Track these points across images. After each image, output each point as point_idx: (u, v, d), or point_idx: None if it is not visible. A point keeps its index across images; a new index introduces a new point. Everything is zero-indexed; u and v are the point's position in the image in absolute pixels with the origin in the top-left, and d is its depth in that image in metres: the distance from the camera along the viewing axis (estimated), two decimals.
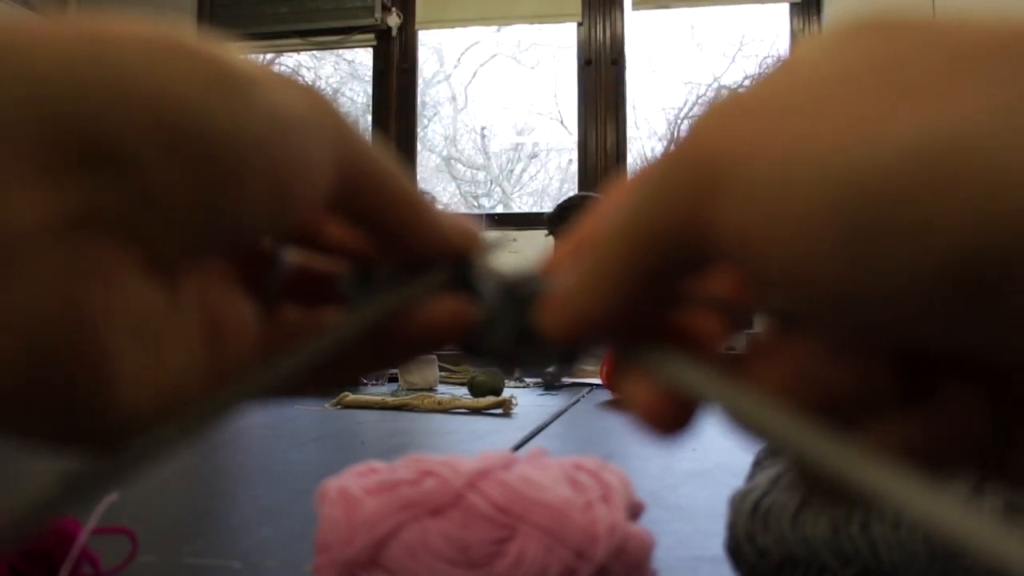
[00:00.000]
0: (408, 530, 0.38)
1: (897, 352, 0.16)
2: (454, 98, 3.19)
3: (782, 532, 0.39)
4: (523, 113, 3.17)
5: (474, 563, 0.38)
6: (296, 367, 0.18)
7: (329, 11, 2.90)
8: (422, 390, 1.58)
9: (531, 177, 3.22)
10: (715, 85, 2.90)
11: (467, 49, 3.17)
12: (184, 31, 0.15)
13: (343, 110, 0.18)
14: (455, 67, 3.18)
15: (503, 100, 3.16)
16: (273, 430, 1.06)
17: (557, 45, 3.02)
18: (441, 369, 1.80)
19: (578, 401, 1.40)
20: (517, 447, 0.89)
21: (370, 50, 3.01)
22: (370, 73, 3.03)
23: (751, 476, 0.46)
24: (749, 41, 2.92)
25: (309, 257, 0.22)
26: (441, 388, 1.67)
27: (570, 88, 2.93)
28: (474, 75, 3.18)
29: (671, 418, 0.18)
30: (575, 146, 2.90)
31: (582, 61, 2.88)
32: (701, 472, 0.76)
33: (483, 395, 1.40)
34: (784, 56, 0.15)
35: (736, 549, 0.42)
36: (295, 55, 3.08)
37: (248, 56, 0.16)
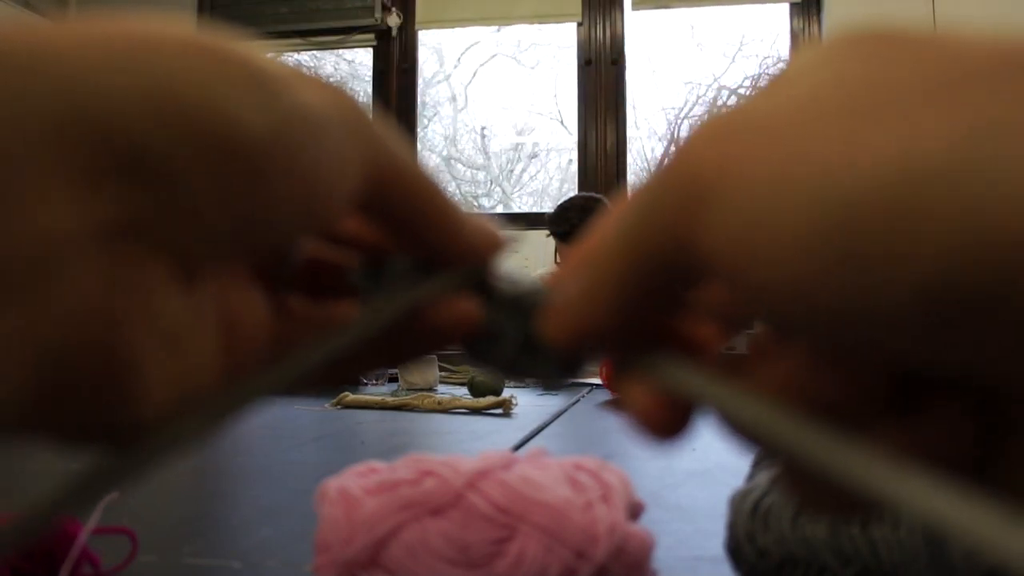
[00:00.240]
0: (408, 530, 0.38)
1: (882, 367, 0.16)
2: (454, 98, 3.19)
3: (782, 532, 0.39)
4: (523, 113, 3.17)
5: (474, 563, 0.38)
6: (312, 364, 0.18)
7: (329, 11, 2.90)
8: (422, 390, 1.58)
9: (531, 177, 3.22)
10: (715, 85, 2.90)
11: (467, 49, 3.17)
12: (215, 33, 0.15)
13: (368, 107, 0.18)
14: (455, 67, 3.18)
15: (503, 100, 3.16)
16: (273, 430, 1.06)
17: (557, 45, 3.03)
18: (441, 369, 1.80)
19: (578, 401, 1.40)
20: (517, 447, 0.89)
21: (370, 50, 3.02)
22: (370, 73, 3.03)
23: (751, 476, 0.46)
24: (749, 41, 2.92)
25: (320, 248, 0.22)
26: (441, 388, 1.67)
27: (570, 88, 2.93)
28: (474, 75, 3.18)
29: (669, 422, 0.18)
30: (575, 146, 2.90)
31: (582, 61, 2.88)
32: (701, 472, 0.76)
33: (483, 395, 1.40)
34: (780, 66, 0.16)
35: (736, 549, 0.42)
36: (295, 55, 3.08)
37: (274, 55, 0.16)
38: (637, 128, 2.95)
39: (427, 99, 3.14)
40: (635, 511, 0.43)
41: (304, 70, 0.17)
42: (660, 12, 2.85)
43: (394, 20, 2.90)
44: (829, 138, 0.13)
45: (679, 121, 2.90)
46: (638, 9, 2.81)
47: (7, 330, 0.13)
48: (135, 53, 0.14)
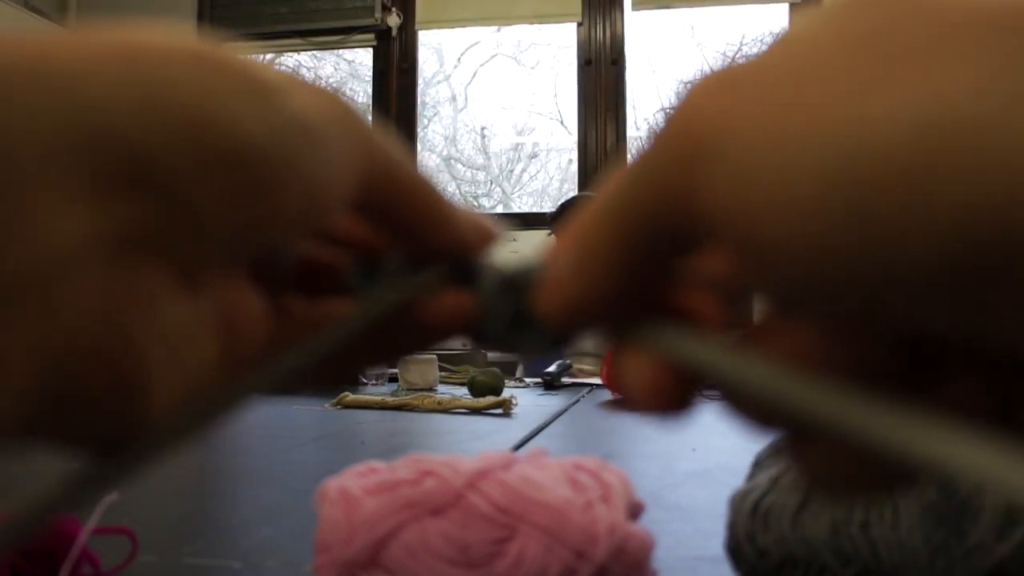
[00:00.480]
0: (408, 530, 0.38)
1: (889, 334, 0.15)
2: (454, 98, 3.19)
3: (782, 532, 0.39)
4: (523, 113, 3.17)
5: (474, 563, 0.38)
6: (304, 360, 0.18)
7: (329, 11, 2.91)
8: (422, 390, 1.58)
9: (531, 177, 3.22)
10: None
11: (467, 49, 3.17)
12: (213, 43, 0.16)
13: (362, 111, 0.18)
14: (455, 67, 3.18)
15: (503, 100, 3.16)
16: (273, 430, 1.06)
17: (557, 45, 3.03)
18: (441, 369, 1.80)
19: (578, 401, 1.39)
20: (517, 447, 0.89)
21: (370, 50, 3.02)
22: (370, 73, 3.03)
23: (751, 476, 0.46)
24: (749, 41, 2.92)
25: (315, 247, 0.22)
26: (441, 388, 1.67)
27: (570, 88, 2.93)
28: (474, 75, 3.18)
29: (670, 396, 0.18)
30: (575, 146, 2.90)
31: (582, 61, 2.88)
32: (701, 472, 0.76)
33: (483, 395, 1.40)
34: (781, 31, 0.15)
35: (736, 549, 0.42)
36: (295, 55, 3.08)
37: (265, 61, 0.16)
38: (637, 128, 2.95)
39: (427, 99, 3.15)
40: (635, 511, 0.43)
41: (299, 75, 0.17)
42: (660, 12, 2.85)
43: (394, 20, 2.90)
44: (837, 91, 0.13)
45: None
46: (638, 9, 2.81)
47: (14, 342, 0.13)
48: (137, 65, 0.14)
